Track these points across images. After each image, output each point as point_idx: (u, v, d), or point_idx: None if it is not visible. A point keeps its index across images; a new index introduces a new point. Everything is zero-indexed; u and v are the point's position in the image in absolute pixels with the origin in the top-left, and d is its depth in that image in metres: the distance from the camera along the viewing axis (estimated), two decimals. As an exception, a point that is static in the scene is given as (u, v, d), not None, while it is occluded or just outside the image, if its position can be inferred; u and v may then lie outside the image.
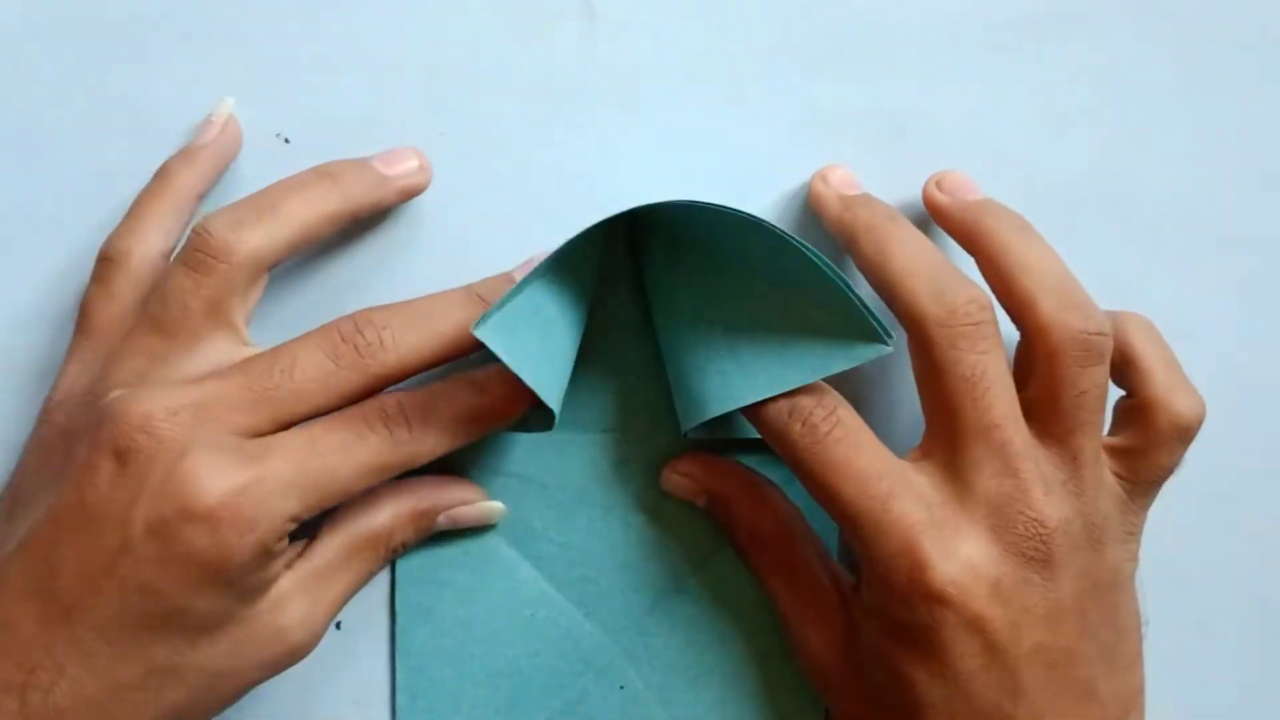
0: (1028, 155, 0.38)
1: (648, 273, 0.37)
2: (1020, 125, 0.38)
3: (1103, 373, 0.32)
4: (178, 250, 0.33)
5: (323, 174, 0.35)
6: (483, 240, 0.38)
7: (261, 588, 0.32)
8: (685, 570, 0.37)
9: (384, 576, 0.38)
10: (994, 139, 0.38)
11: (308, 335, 0.33)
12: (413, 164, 0.37)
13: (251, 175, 0.37)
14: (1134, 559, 0.33)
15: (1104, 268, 0.38)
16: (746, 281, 0.33)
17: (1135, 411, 0.33)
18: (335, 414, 0.33)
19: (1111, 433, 0.34)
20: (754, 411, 0.33)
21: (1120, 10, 0.38)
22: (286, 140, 0.37)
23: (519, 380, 0.31)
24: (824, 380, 0.32)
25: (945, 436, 0.32)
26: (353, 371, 0.32)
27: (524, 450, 0.37)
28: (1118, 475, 0.33)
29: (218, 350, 0.33)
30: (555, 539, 0.37)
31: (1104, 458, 0.33)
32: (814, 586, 0.35)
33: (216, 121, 0.37)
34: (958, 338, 0.32)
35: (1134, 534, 0.33)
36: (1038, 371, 0.32)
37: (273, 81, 0.37)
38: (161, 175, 0.36)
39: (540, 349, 0.33)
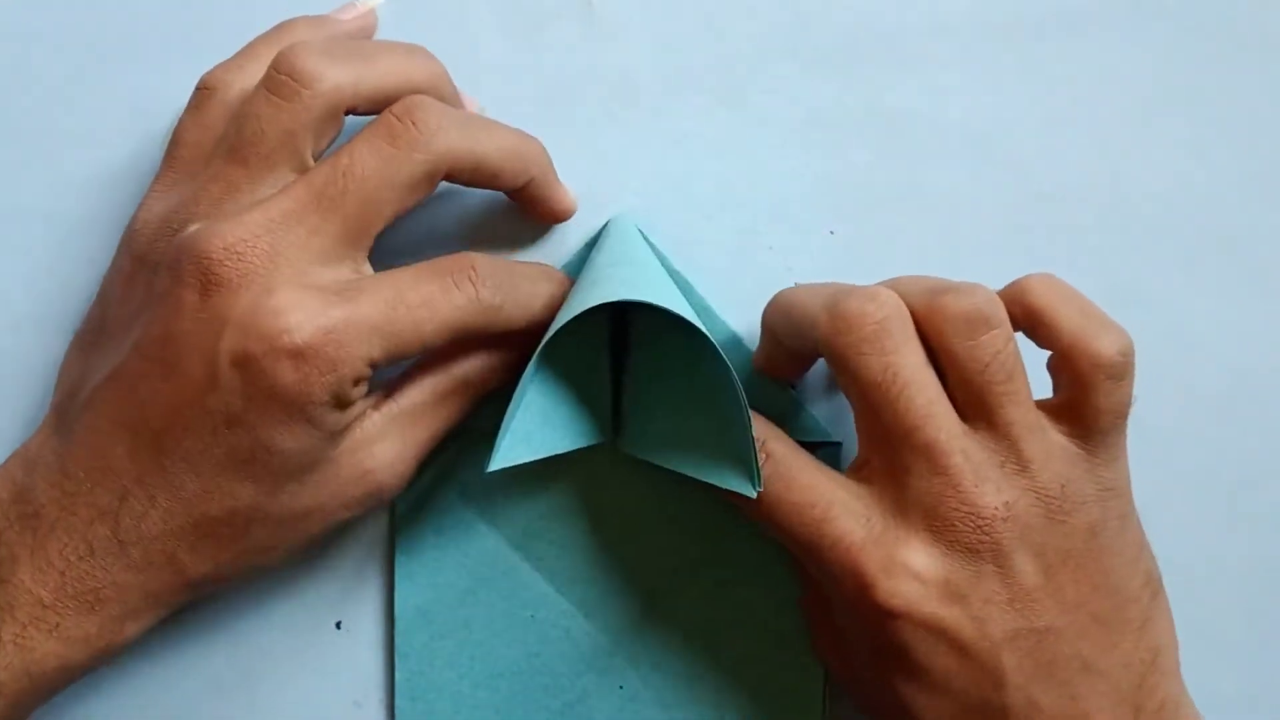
0: (1028, 155, 0.38)
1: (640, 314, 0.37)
2: (1020, 125, 0.38)
3: (1000, 339, 0.31)
4: (262, 78, 0.33)
5: (419, 50, 0.35)
6: (482, 240, 0.38)
7: (345, 428, 0.32)
8: (684, 571, 0.37)
9: (383, 577, 0.38)
10: (994, 139, 0.38)
11: (357, 138, 0.32)
12: (478, 106, 0.37)
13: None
14: (1122, 515, 0.32)
15: (1104, 268, 0.38)
16: (698, 370, 0.34)
17: (1059, 366, 0.32)
18: (422, 265, 0.33)
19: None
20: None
21: (1120, 10, 0.38)
22: (286, 140, 0.37)
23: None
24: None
25: (874, 444, 0.32)
26: (413, 150, 0.32)
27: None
28: (1067, 435, 0.32)
29: (286, 182, 0.33)
30: (555, 540, 0.37)
31: (1045, 423, 0.32)
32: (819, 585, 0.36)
33: (360, 6, 0.37)
34: (860, 343, 0.31)
35: (1112, 489, 0.32)
36: (941, 361, 0.32)
37: (273, 81, 0.37)
38: (285, 27, 0.35)
39: (571, 409, 0.35)
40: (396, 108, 0.32)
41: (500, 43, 0.38)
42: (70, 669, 0.32)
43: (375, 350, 0.31)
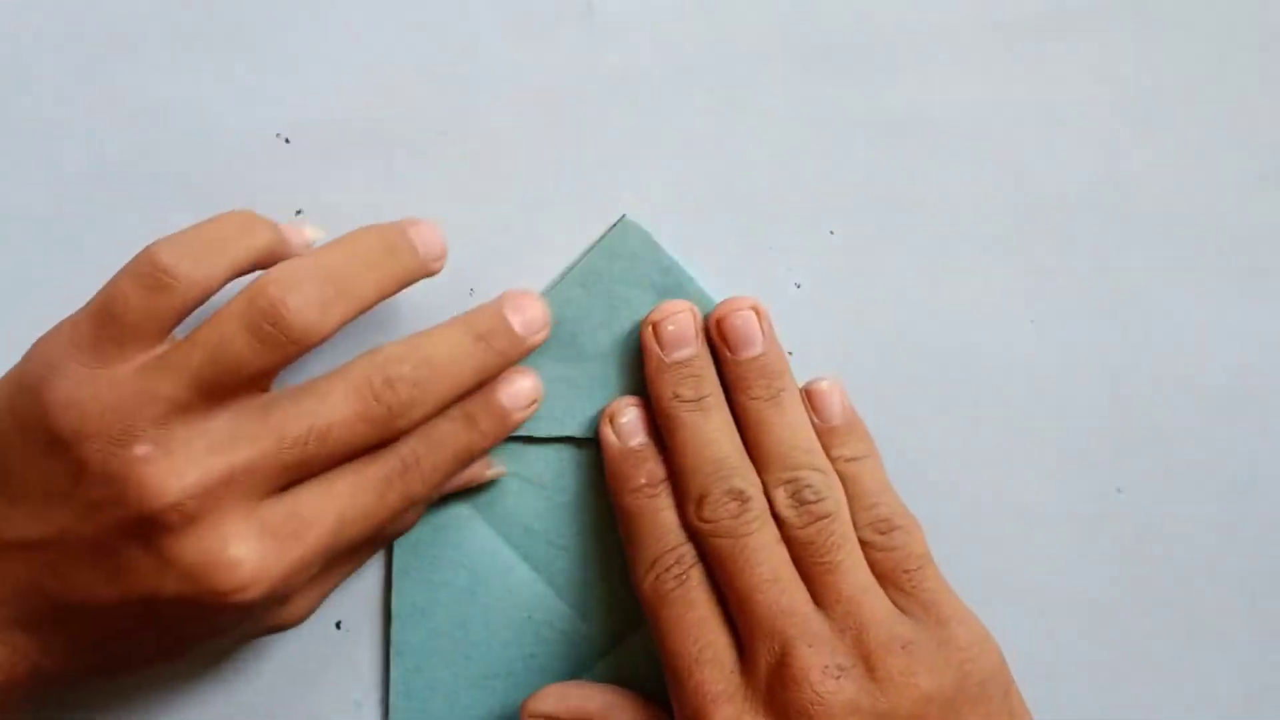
0: (1028, 155, 0.38)
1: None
2: (1020, 125, 0.38)
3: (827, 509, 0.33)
4: (243, 305, 0.31)
5: (388, 248, 0.33)
6: (483, 240, 0.38)
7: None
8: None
9: (383, 577, 0.38)
10: (994, 139, 0.38)
11: (335, 387, 0.32)
12: (440, 247, 0.35)
13: (252, 175, 0.37)
14: (983, 681, 0.32)
15: (1104, 268, 0.38)
16: None
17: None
18: (357, 474, 0.33)
19: None
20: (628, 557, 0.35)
21: (1120, 10, 0.38)
22: (287, 140, 0.37)
23: (502, 411, 0.35)
24: None
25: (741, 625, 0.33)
26: (382, 430, 0.32)
27: (523, 452, 0.37)
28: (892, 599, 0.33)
29: (245, 406, 0.31)
30: (553, 541, 0.37)
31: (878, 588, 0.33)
32: None
33: (308, 235, 0.35)
34: (711, 535, 0.33)
35: (964, 651, 0.32)
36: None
37: (273, 81, 0.37)
38: (249, 228, 0.33)
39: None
40: (376, 379, 0.32)
41: (500, 43, 0.38)
42: None
43: (317, 569, 0.33)
